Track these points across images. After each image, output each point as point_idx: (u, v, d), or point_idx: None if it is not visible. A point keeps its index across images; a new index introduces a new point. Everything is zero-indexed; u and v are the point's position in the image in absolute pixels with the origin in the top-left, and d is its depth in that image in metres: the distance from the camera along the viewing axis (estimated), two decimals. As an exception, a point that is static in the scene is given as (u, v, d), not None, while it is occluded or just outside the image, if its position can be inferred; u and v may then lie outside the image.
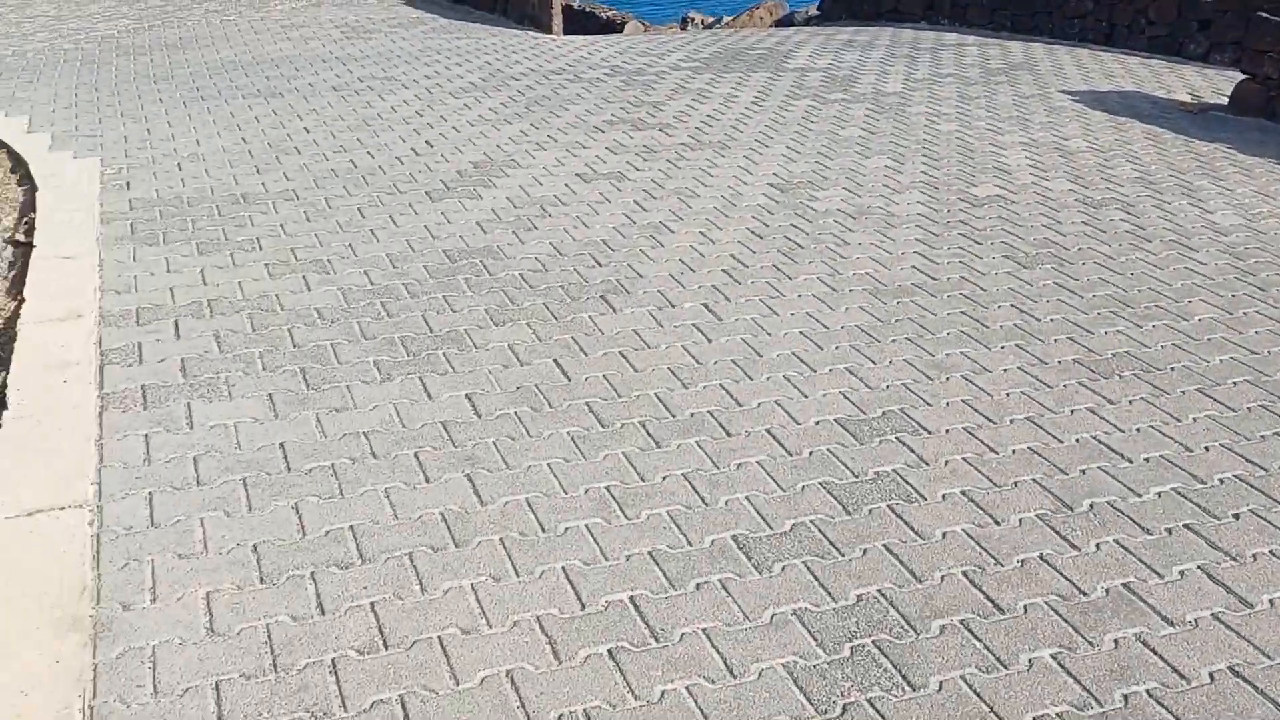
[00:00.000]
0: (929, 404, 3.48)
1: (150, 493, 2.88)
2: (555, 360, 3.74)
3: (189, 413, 3.30)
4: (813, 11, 13.55)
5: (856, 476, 3.05)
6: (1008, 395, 3.55)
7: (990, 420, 3.38)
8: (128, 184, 5.37)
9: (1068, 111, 7.35)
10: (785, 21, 13.23)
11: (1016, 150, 6.43)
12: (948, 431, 3.31)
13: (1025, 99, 7.67)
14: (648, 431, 3.27)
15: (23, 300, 4.06)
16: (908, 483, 3.03)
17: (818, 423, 3.34)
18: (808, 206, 5.48)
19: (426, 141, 6.38)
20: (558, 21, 10.29)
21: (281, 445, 3.14)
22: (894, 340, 3.94)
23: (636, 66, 8.77)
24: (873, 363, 3.76)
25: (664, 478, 3.03)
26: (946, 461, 3.14)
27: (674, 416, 3.36)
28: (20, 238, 4.70)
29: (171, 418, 3.27)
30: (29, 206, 5.08)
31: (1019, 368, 3.75)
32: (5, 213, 5.07)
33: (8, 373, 3.45)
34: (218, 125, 6.54)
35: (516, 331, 3.97)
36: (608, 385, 3.56)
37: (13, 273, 4.38)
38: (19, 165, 5.66)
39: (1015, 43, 9.82)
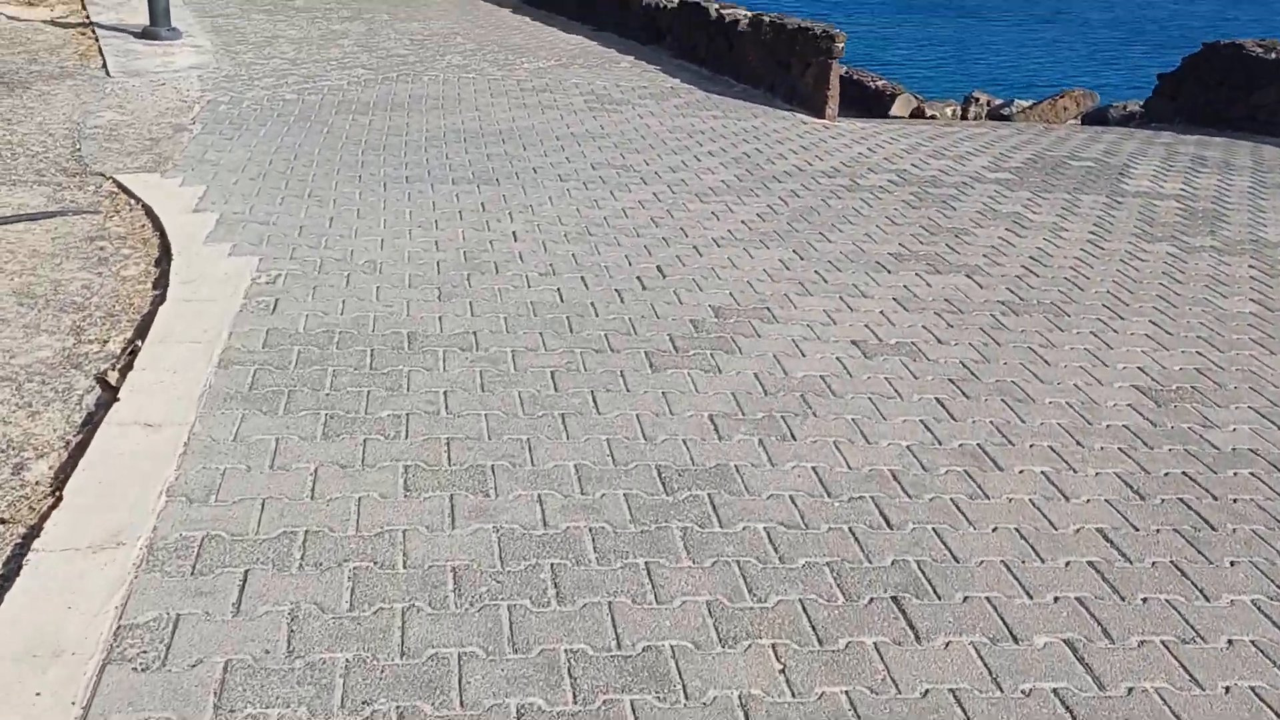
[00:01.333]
0: None
1: None
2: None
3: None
4: (1132, 108, 11.38)
5: None
6: None
7: None
8: (275, 303, 4.19)
9: None
10: (1097, 118, 11.13)
11: None
12: None
13: None
14: None
15: (59, 500, 2.84)
16: None
17: None
18: (1201, 438, 3.65)
19: (658, 267, 4.94)
20: (833, 105, 8.73)
21: None
22: None
23: (929, 173, 7.07)
24: None
25: None
26: None
27: None
28: (113, 378, 3.55)
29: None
30: (149, 322, 3.97)
31: None
32: (120, 326, 3.98)
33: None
34: (414, 219, 5.35)
35: (755, 664, 2.39)
36: None
37: (77, 438, 3.21)
38: (165, 257, 4.62)
39: None
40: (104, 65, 8.58)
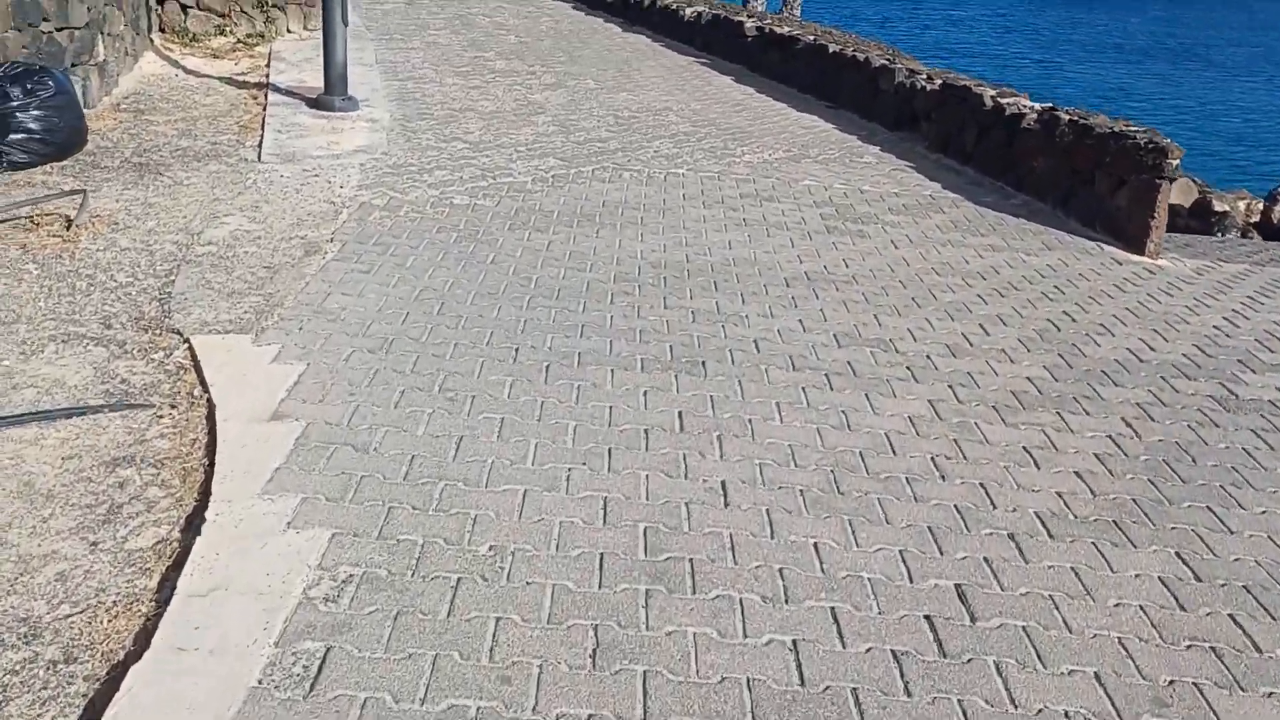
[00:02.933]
0: None
1: None
2: None
3: None
4: None
5: None
6: None
7: None
8: (321, 662, 2.51)
9: None
10: None
11: None
12: None
13: None
14: None
15: None
16: None
17: None
18: None
19: (960, 592, 3.00)
20: (1157, 238, 6.52)
21: None
22: None
23: (1337, 377, 4.81)
24: None
25: None
26: None
27: None
28: None
29: None
30: (142, 646, 2.38)
31: None
32: (64, 699, 2.40)
33: None
34: (577, 446, 3.61)
35: None
36: None
37: None
38: (199, 515, 3.04)
39: None
40: (260, 143, 7.37)
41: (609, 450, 3.61)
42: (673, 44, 13.74)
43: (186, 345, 4.17)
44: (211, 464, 3.32)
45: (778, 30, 11.66)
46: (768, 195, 7.17)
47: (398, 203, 6.31)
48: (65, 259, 5.00)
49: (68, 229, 5.37)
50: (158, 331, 4.30)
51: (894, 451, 3.79)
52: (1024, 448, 3.90)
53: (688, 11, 13.79)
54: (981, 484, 3.62)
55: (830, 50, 10.50)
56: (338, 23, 8.20)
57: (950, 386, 4.37)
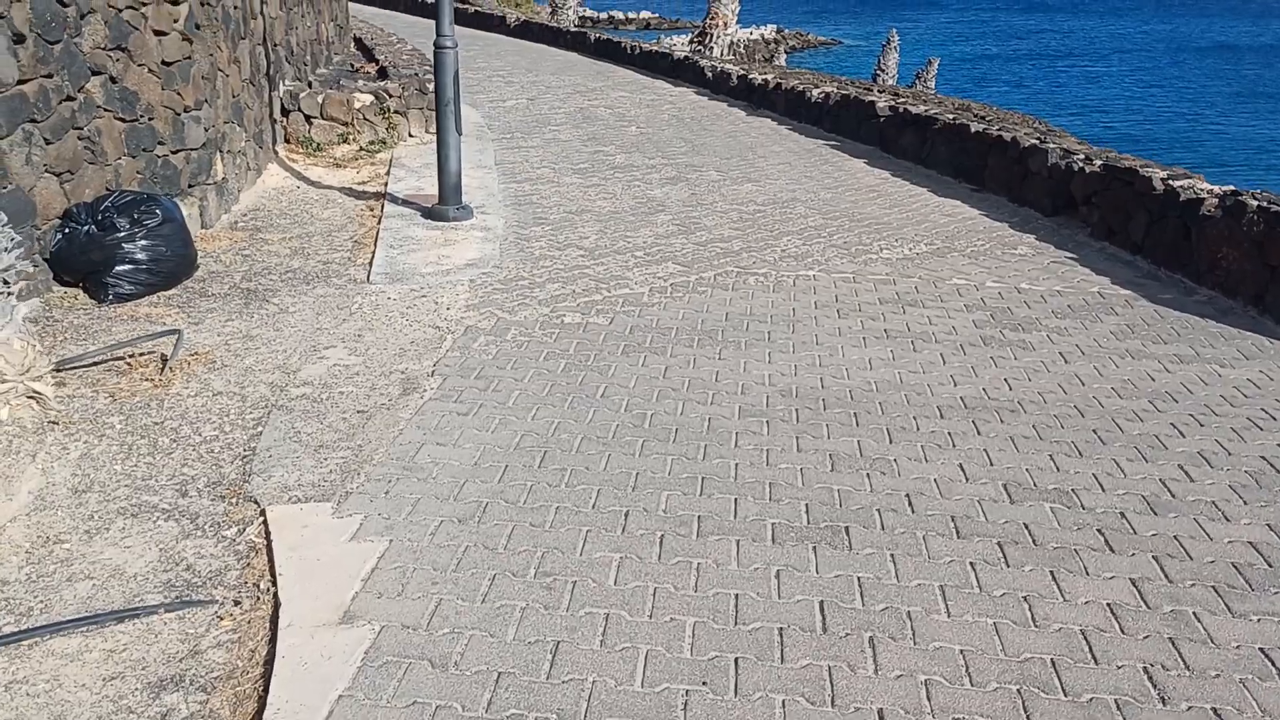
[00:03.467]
0: None
1: None
2: None
3: None
4: None
5: None
6: None
7: None
8: None
9: None
10: None
11: None
12: None
13: None
14: None
15: None
16: None
17: None
18: None
19: None
20: (1382, 343, 5.55)
21: None
22: None
23: None
24: None
25: None
26: None
27: None
28: None
29: None
30: None
31: None
32: None
33: None
34: (691, 668, 2.97)
35: None
36: None
37: None
38: (242, 770, 2.54)
39: None
40: (370, 261, 7.11)
41: (734, 662, 2.97)
42: (800, 127, 13.22)
43: (262, 519, 3.73)
44: (266, 688, 2.82)
45: (912, 109, 10.99)
46: (911, 299, 6.47)
47: (505, 324, 5.88)
48: (153, 408, 4.70)
49: (162, 370, 5.10)
50: (234, 500, 3.89)
51: (1095, 659, 3.03)
52: (1261, 650, 3.08)
53: (814, 93, 13.26)
54: (1215, 710, 2.82)
55: (972, 129, 9.77)
56: (451, 132, 7.96)
57: (1155, 558, 3.57)
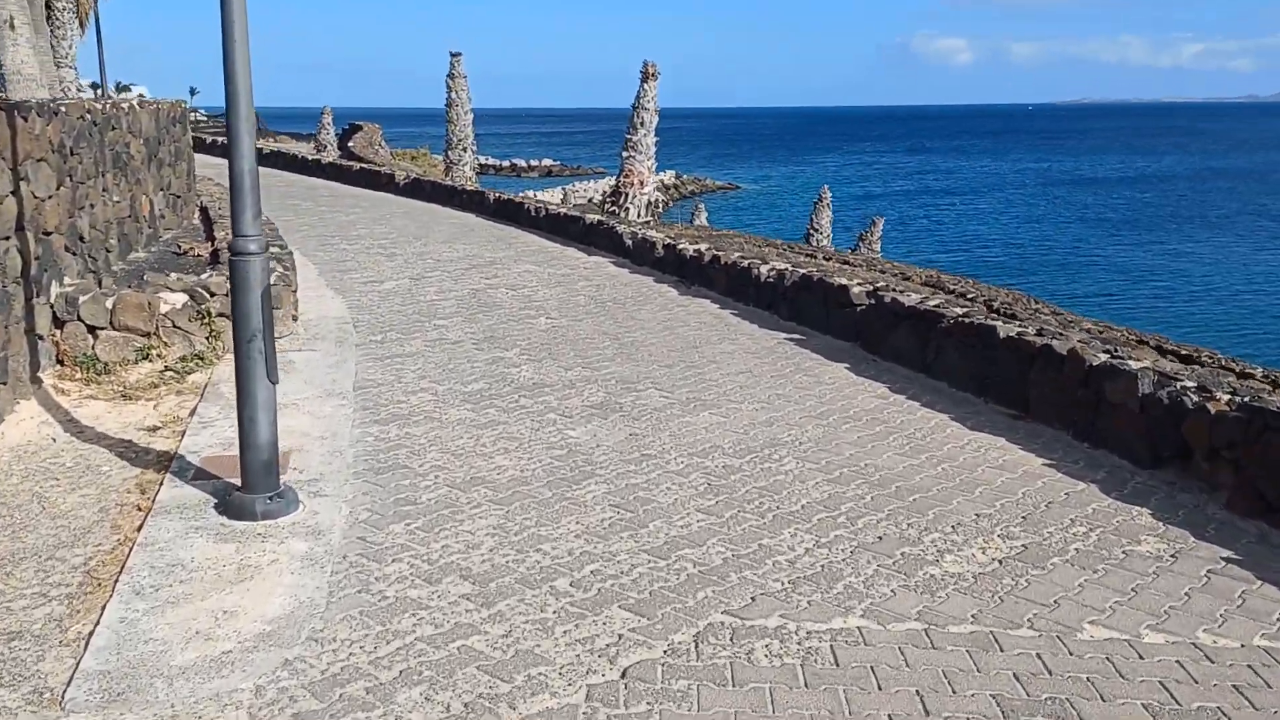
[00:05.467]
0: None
1: None
2: None
3: None
4: None
5: None
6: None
7: None
8: None
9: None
10: None
11: None
12: None
13: None
14: None
15: None
16: None
17: None
18: None
19: None
20: None
21: None
22: None
23: None
24: None
25: None
26: None
27: None
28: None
29: None
30: None
31: None
32: None
33: None
34: None
35: None
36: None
37: None
38: None
39: None
40: (87, 640, 4.04)
41: None
42: (749, 312, 10.67)
43: None
44: None
45: (904, 302, 8.49)
46: (1049, 698, 3.66)
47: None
48: None
49: None
50: None
51: None
52: None
53: (763, 270, 10.77)
54: None
55: (1001, 334, 7.26)
56: (258, 381, 5.04)
57: None
